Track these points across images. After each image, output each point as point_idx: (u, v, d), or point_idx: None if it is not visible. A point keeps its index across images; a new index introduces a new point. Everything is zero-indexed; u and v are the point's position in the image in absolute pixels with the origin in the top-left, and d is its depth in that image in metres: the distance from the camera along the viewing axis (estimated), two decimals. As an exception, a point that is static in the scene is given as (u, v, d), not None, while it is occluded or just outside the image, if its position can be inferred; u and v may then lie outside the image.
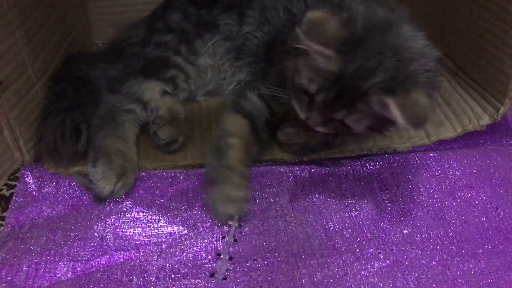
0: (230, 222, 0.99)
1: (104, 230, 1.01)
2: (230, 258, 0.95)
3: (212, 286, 0.91)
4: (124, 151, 1.12)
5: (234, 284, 0.91)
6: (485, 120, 1.25)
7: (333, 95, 0.92)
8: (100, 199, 1.07)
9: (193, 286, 0.91)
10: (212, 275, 0.92)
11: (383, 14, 0.95)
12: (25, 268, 0.93)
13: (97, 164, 1.08)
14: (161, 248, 0.98)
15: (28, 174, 1.12)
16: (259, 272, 0.93)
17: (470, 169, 1.15)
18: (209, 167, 1.07)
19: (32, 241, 0.98)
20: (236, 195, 1.00)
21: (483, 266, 0.93)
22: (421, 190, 1.10)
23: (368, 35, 0.90)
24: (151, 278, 0.92)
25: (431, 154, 1.18)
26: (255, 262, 0.95)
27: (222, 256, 0.95)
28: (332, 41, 0.89)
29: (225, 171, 1.02)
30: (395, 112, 0.87)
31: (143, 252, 0.97)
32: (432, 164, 1.16)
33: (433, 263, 0.94)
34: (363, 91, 0.90)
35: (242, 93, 1.21)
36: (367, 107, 0.92)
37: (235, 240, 0.98)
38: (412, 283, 0.90)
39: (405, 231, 1.00)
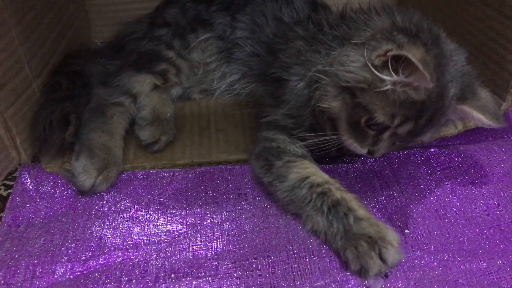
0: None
1: (102, 229, 1.01)
2: None
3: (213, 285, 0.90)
4: (108, 145, 1.12)
5: (234, 283, 0.90)
6: (487, 117, 1.23)
7: (424, 122, 0.90)
8: (82, 193, 1.08)
9: (193, 285, 0.90)
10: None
11: (434, 27, 0.96)
12: (22, 269, 0.92)
13: (80, 158, 1.09)
14: (160, 247, 0.97)
15: (26, 174, 1.11)
16: (259, 272, 0.92)
17: (472, 165, 1.14)
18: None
19: (30, 241, 0.97)
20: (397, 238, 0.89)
21: (485, 266, 0.91)
22: (422, 186, 1.09)
23: (442, 56, 0.90)
24: (150, 277, 0.91)
25: (432, 150, 1.17)
26: (255, 260, 0.94)
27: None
28: (435, 74, 0.83)
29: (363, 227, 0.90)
30: (478, 117, 0.93)
31: (142, 251, 0.96)
32: (432, 160, 1.16)
33: (435, 263, 0.92)
34: (446, 108, 0.92)
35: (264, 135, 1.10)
36: (445, 119, 0.95)
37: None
38: (413, 284, 0.89)
39: (406, 231, 0.99)
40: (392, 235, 0.88)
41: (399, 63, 0.83)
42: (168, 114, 1.26)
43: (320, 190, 0.95)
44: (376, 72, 0.85)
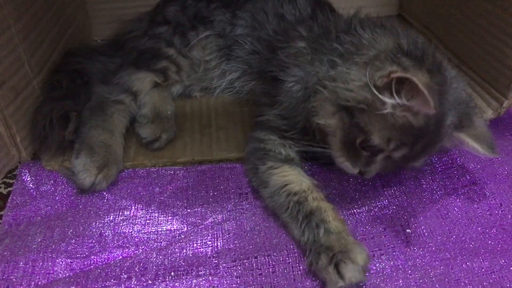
0: None
1: (102, 227, 1.00)
2: None
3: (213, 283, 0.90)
4: (109, 143, 1.12)
5: (234, 282, 0.90)
6: (489, 114, 1.23)
7: (420, 149, 0.88)
8: (82, 191, 1.07)
9: (193, 283, 0.90)
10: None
11: (438, 54, 0.95)
12: (22, 265, 0.92)
13: (80, 155, 1.08)
14: (160, 245, 0.97)
15: (26, 172, 1.11)
16: (259, 272, 0.92)
17: (474, 165, 1.13)
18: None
19: (29, 238, 0.97)
20: (364, 257, 0.86)
21: (487, 265, 0.91)
22: (424, 186, 1.09)
23: (444, 83, 0.88)
24: (150, 275, 0.91)
25: (434, 150, 1.17)
26: (256, 259, 0.94)
27: None
28: (438, 99, 0.81)
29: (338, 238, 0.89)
30: (473, 145, 0.93)
31: (142, 249, 0.96)
32: (434, 160, 1.15)
33: (436, 262, 0.92)
34: (441, 136, 0.91)
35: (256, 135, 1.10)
36: (439, 145, 0.94)
37: None
38: (414, 283, 0.88)
39: (408, 230, 0.99)
40: (359, 252, 0.85)
41: (402, 86, 0.81)
42: (169, 112, 1.26)
43: (296, 198, 0.95)
44: (378, 94, 0.83)
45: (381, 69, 0.85)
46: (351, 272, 0.83)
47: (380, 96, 0.82)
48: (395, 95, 0.81)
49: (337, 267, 0.83)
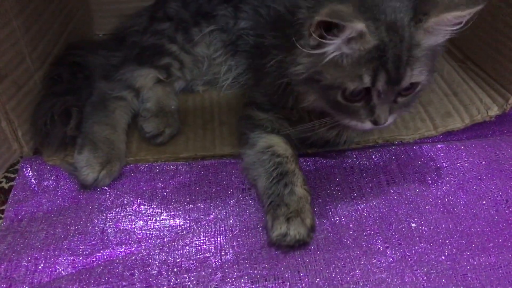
0: None
1: (105, 223, 1.00)
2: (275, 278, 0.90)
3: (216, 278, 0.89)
4: (112, 139, 1.11)
5: (238, 277, 0.89)
6: (494, 110, 1.22)
7: (393, 65, 0.85)
8: (84, 187, 1.06)
9: (196, 280, 0.89)
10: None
11: None
12: (24, 263, 0.91)
13: (83, 151, 1.07)
14: (163, 241, 0.96)
15: (28, 167, 1.10)
16: (263, 265, 0.91)
17: (479, 161, 1.12)
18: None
19: (32, 235, 0.97)
20: (312, 223, 0.95)
21: (494, 260, 0.91)
22: (429, 182, 1.08)
23: None
24: (153, 272, 0.91)
25: (438, 146, 1.16)
26: (260, 255, 0.93)
27: None
28: (355, 15, 0.81)
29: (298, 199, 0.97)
30: (452, 15, 0.83)
31: (145, 246, 0.96)
32: (440, 155, 1.14)
33: (442, 257, 0.91)
34: (409, 37, 0.85)
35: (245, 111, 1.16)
36: (421, 49, 0.87)
37: None
38: (421, 278, 0.88)
39: (413, 225, 0.98)
40: (309, 217, 0.94)
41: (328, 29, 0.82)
42: (173, 107, 1.25)
43: (279, 160, 1.02)
44: (311, 51, 0.86)
45: (305, 30, 0.87)
46: (298, 227, 0.92)
47: (315, 51, 0.85)
48: (323, 40, 0.83)
49: (287, 221, 0.92)
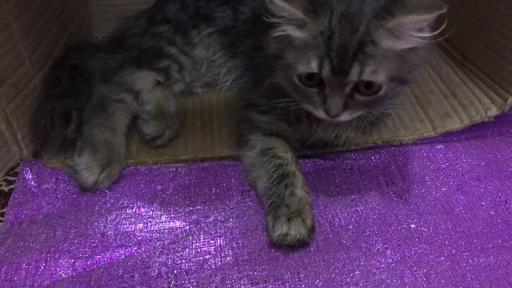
0: None
1: (105, 226, 1.00)
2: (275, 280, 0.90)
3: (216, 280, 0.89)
4: (111, 142, 1.11)
5: (238, 279, 0.89)
6: (493, 111, 1.23)
7: (336, 54, 0.84)
8: (84, 189, 1.07)
9: (196, 281, 0.89)
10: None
11: None
12: (25, 266, 0.91)
13: (82, 154, 1.08)
14: (163, 244, 0.96)
15: (27, 170, 1.10)
16: (263, 266, 0.91)
17: (478, 162, 1.12)
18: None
19: (32, 238, 0.96)
20: (313, 223, 0.96)
21: (493, 261, 0.91)
22: (428, 183, 1.08)
23: None
24: (153, 274, 0.91)
25: (437, 146, 1.16)
26: (259, 256, 0.93)
27: None
28: (298, 3, 0.84)
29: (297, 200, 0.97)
30: (410, 18, 0.81)
31: (144, 248, 0.96)
32: (438, 156, 1.14)
33: (442, 258, 0.92)
34: (363, 33, 0.84)
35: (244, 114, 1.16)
36: (377, 48, 0.84)
37: None
38: (420, 279, 0.88)
39: (413, 225, 0.98)
40: (309, 217, 0.95)
41: None
42: (172, 109, 1.26)
43: (279, 162, 1.03)
44: (269, 20, 0.89)
45: None
46: (299, 227, 0.92)
47: (271, 20, 0.88)
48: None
49: (288, 221, 0.93)
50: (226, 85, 1.35)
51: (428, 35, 0.84)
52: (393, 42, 0.85)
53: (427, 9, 0.81)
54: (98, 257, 0.93)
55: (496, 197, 1.04)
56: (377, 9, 0.85)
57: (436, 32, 0.84)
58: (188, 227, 1.00)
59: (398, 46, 0.85)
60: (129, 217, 1.02)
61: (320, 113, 0.94)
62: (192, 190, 1.08)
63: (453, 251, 0.93)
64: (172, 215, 1.02)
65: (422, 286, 0.88)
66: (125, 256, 0.94)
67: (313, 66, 0.87)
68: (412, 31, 0.84)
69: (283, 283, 0.88)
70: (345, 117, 0.93)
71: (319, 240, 0.96)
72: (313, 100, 0.93)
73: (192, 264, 0.92)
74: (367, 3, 0.86)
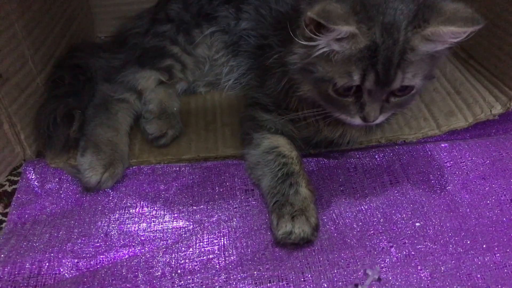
0: (369, 272, 0.89)
1: (108, 226, 1.00)
2: None
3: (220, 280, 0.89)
4: (114, 141, 1.11)
5: (242, 279, 0.89)
6: (497, 109, 1.22)
7: (382, 66, 0.85)
8: (87, 189, 1.06)
9: (200, 281, 0.89)
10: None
11: None
12: (28, 266, 0.91)
13: (86, 153, 1.07)
14: (166, 243, 0.96)
15: (30, 170, 1.10)
16: (267, 266, 0.91)
17: (483, 160, 1.12)
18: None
19: (35, 238, 0.96)
20: (317, 222, 0.96)
21: (499, 260, 0.90)
22: (433, 182, 1.08)
23: None
24: (156, 274, 0.91)
25: (442, 145, 1.15)
26: (263, 256, 0.93)
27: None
28: (346, 17, 0.82)
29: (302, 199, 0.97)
30: (448, 29, 0.82)
31: (148, 248, 0.95)
32: (443, 155, 1.14)
33: (447, 256, 0.91)
34: (403, 42, 0.85)
35: (249, 111, 1.16)
36: (416, 54, 0.86)
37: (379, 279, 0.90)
38: (425, 278, 0.87)
39: (417, 224, 0.98)
40: (313, 215, 0.95)
41: (320, 25, 0.83)
42: (175, 109, 1.25)
43: (284, 160, 1.03)
44: (304, 42, 0.87)
45: (301, 21, 0.87)
46: (303, 225, 0.92)
47: (305, 43, 0.87)
48: (315, 35, 0.84)
49: (292, 219, 0.93)
50: (229, 84, 1.35)
51: (462, 38, 0.85)
52: (429, 46, 0.86)
53: (466, 22, 0.83)
54: (101, 257, 0.93)
55: (501, 196, 1.04)
56: (410, 15, 0.85)
57: (477, 28, 0.84)
58: (191, 226, 1.00)
59: (433, 49, 0.87)
60: (132, 217, 1.02)
61: (356, 120, 0.94)
62: (196, 189, 1.08)
63: (458, 250, 0.92)
64: (176, 215, 1.02)
65: (427, 285, 0.87)
66: (129, 256, 0.94)
67: (356, 79, 0.87)
68: (448, 38, 0.85)
69: (287, 283, 0.88)
70: (380, 120, 0.95)
71: (324, 239, 0.96)
72: (348, 109, 0.93)
73: (195, 263, 0.92)
74: (399, 10, 0.85)
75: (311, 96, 0.98)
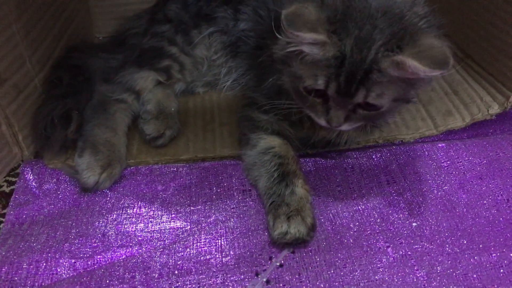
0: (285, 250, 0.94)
1: (105, 226, 1.00)
2: (268, 282, 0.90)
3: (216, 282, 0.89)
4: (112, 142, 1.11)
5: (239, 280, 0.89)
6: (495, 109, 1.22)
7: (345, 79, 0.86)
8: (85, 190, 1.07)
9: (197, 282, 0.89)
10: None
11: None
12: (25, 266, 0.91)
13: (83, 154, 1.08)
14: (164, 244, 0.96)
15: (28, 171, 1.10)
16: (264, 267, 0.91)
17: (480, 160, 1.12)
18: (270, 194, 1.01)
19: (33, 238, 0.97)
20: (313, 222, 0.96)
21: (495, 260, 0.91)
22: (430, 182, 1.08)
23: (349, 6, 0.87)
24: (154, 274, 0.91)
25: (439, 145, 1.16)
26: (260, 257, 0.93)
27: (260, 276, 0.91)
28: (318, 25, 0.84)
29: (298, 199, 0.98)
30: (413, 64, 0.80)
31: (145, 248, 0.96)
32: (440, 155, 1.14)
33: (444, 256, 0.91)
34: (371, 61, 0.84)
35: (245, 112, 1.17)
36: (383, 75, 0.85)
37: (281, 265, 0.92)
38: (422, 278, 0.88)
39: (414, 224, 0.98)
40: (309, 215, 0.96)
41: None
42: (173, 109, 1.25)
43: (280, 161, 1.03)
44: (279, 36, 0.88)
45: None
46: (298, 225, 0.93)
47: (282, 38, 0.88)
48: (292, 35, 0.84)
49: (288, 219, 0.94)
50: (227, 85, 1.35)
51: (434, 74, 0.82)
52: (399, 72, 0.84)
53: (433, 63, 0.80)
54: (99, 257, 0.94)
55: (498, 196, 1.04)
56: (388, 37, 0.85)
57: (440, 73, 0.81)
58: (189, 227, 1.00)
59: (404, 75, 0.85)
60: (130, 217, 1.02)
61: (322, 121, 0.96)
62: (193, 190, 1.08)
63: (455, 250, 0.93)
64: (173, 215, 1.02)
65: (424, 285, 0.87)
66: (126, 256, 0.94)
67: (320, 84, 0.89)
68: (417, 71, 0.82)
69: (283, 285, 0.88)
70: (345, 127, 0.96)
71: (321, 239, 0.96)
72: (316, 108, 0.95)
73: (193, 264, 0.92)
74: (379, 29, 0.85)
75: (288, 88, 1.00)
